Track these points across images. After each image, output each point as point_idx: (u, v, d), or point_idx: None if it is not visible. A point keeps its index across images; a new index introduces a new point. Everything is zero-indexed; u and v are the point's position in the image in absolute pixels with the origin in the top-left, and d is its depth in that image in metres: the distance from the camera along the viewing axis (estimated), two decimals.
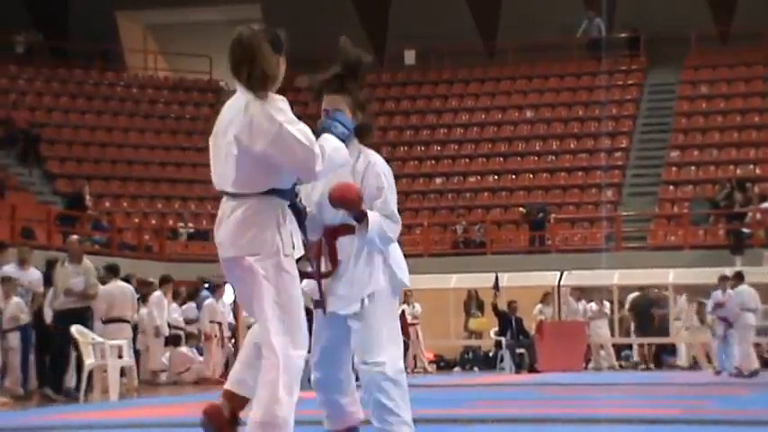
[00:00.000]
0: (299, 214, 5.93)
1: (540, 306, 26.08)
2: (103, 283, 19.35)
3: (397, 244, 6.40)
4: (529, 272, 27.35)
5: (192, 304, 23.08)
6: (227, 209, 5.93)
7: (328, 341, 6.35)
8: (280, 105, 5.95)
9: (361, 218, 6.19)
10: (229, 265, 5.83)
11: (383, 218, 6.24)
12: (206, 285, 24.02)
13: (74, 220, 27.26)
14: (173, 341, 22.09)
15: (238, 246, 5.75)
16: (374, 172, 6.30)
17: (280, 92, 6.35)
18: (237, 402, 6.10)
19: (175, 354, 22.10)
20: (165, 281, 21.83)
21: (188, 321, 22.78)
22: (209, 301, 22.47)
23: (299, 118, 6.02)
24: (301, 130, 5.78)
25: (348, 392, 6.40)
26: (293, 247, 5.79)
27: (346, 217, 6.26)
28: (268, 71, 6.00)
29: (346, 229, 6.30)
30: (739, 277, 20.86)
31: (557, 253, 28.81)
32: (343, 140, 5.94)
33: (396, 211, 6.32)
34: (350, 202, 6.12)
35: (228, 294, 26.74)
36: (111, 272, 19.69)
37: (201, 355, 22.45)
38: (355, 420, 6.42)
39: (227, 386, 6.09)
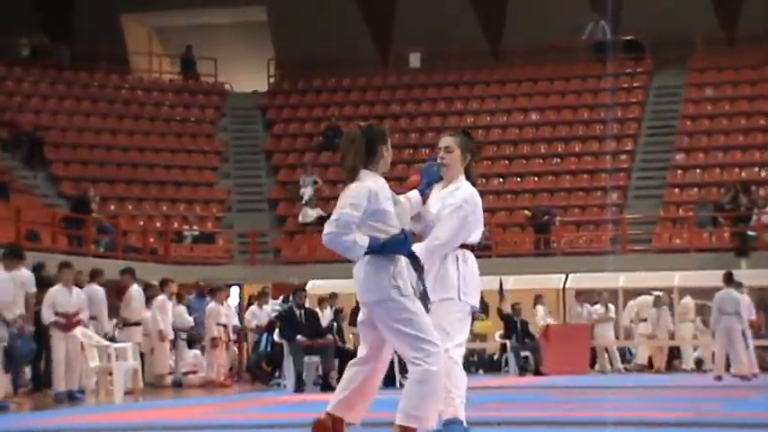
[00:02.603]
0: (416, 262, 7.25)
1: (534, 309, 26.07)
2: (123, 286, 19.58)
3: (475, 265, 7.90)
4: (534, 275, 27.32)
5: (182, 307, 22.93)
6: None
7: None
8: (352, 191, 7.19)
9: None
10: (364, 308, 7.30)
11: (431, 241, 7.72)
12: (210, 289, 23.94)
13: (79, 223, 27.26)
14: (189, 342, 22.24)
15: (362, 293, 7.19)
16: (456, 197, 7.79)
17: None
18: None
19: (188, 353, 22.19)
20: (165, 283, 21.85)
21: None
22: (213, 304, 22.43)
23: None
24: (340, 213, 7.11)
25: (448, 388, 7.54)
26: (412, 290, 7.14)
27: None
28: (354, 163, 7.26)
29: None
30: (727, 280, 20.71)
31: (562, 256, 28.76)
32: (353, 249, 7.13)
33: (451, 235, 7.77)
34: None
35: (233, 297, 26.81)
36: (131, 274, 19.93)
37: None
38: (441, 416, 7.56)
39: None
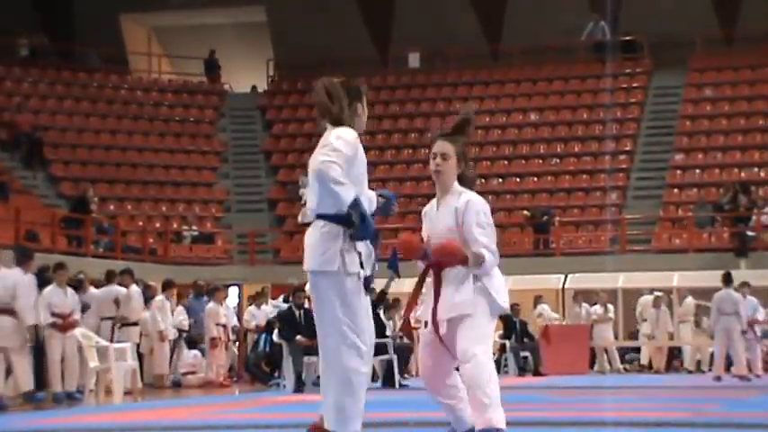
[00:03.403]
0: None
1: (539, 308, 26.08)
2: (122, 286, 19.71)
3: (498, 271, 7.40)
4: (533, 275, 27.30)
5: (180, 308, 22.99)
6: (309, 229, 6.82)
7: (434, 355, 7.39)
8: (339, 132, 6.69)
9: (466, 262, 7.21)
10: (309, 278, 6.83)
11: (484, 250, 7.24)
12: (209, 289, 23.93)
13: (78, 224, 27.26)
14: (188, 343, 22.27)
15: (307, 259, 6.74)
16: (474, 210, 7.29)
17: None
18: None
19: (188, 354, 22.20)
20: (167, 285, 21.89)
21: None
22: (212, 304, 22.43)
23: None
24: (335, 147, 6.60)
25: (459, 399, 7.40)
26: (360, 266, 6.67)
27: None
28: (341, 112, 6.79)
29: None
30: (726, 281, 20.74)
31: (561, 256, 28.75)
32: (349, 211, 6.60)
33: (493, 245, 7.29)
34: (452, 258, 7.18)
35: (231, 297, 26.80)
36: (129, 274, 20.06)
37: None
38: (469, 424, 7.38)
39: None
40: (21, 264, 15.51)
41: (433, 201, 7.53)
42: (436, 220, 7.42)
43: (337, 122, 6.76)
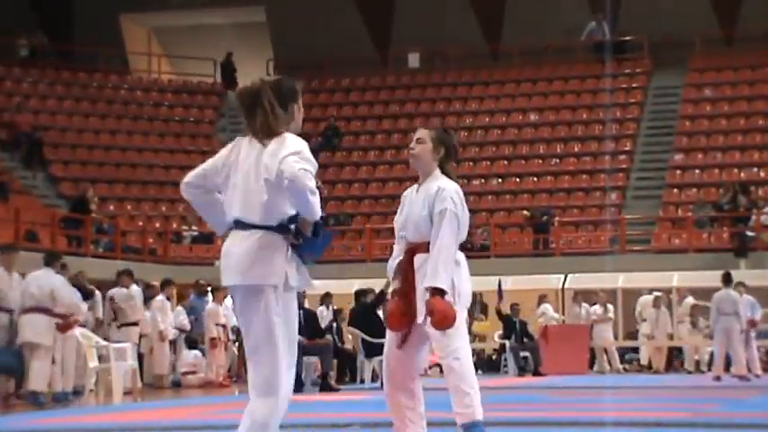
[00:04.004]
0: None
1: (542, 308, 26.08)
2: (122, 286, 19.78)
3: (466, 267, 7.35)
4: (533, 275, 27.31)
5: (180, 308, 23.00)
6: (236, 239, 6.14)
7: (402, 351, 7.32)
8: (293, 139, 6.08)
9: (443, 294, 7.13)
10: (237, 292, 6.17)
11: (436, 258, 7.13)
12: (209, 289, 23.92)
13: (77, 224, 27.27)
14: (188, 343, 22.27)
15: (246, 272, 6.03)
16: (441, 196, 7.22)
17: None
18: None
19: (188, 354, 22.21)
20: (166, 284, 21.89)
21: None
22: (211, 304, 22.43)
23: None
24: (304, 154, 6.01)
25: (417, 404, 7.36)
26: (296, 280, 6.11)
27: (424, 236, 7.25)
28: (270, 121, 6.11)
29: (424, 248, 7.24)
30: (726, 281, 20.76)
31: (561, 256, 28.75)
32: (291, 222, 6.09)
33: (447, 229, 7.16)
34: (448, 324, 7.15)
35: (230, 298, 26.78)
36: (129, 275, 20.12)
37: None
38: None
39: None
40: (49, 264, 15.78)
41: (416, 185, 7.53)
42: (413, 204, 7.40)
43: (269, 129, 6.06)
